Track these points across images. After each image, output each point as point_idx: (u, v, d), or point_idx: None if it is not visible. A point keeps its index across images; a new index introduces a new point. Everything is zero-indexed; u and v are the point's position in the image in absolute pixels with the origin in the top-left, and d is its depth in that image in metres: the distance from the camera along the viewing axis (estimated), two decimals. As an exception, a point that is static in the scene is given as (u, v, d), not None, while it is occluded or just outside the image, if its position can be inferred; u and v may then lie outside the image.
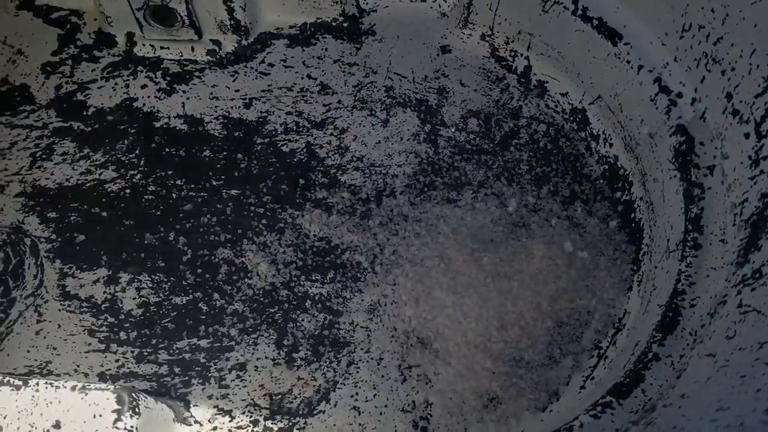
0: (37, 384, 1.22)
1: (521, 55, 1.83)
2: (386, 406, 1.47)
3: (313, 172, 1.72)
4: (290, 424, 1.46)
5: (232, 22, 1.81)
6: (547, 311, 1.57)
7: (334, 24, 1.90)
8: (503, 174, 1.72)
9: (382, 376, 1.52)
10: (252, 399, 1.49)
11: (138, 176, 1.71)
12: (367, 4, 1.93)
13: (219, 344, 1.55)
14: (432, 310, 1.58)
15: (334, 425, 1.46)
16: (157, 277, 1.61)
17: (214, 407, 1.48)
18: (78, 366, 1.53)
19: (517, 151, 1.75)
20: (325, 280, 1.61)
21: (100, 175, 1.70)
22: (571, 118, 1.78)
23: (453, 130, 1.77)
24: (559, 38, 1.72)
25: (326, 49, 1.87)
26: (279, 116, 1.78)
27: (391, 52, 1.87)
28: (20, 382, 1.22)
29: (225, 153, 1.74)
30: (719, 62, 1.38)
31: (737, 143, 1.34)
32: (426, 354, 1.54)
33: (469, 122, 1.79)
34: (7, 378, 1.22)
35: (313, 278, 1.61)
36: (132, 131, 1.76)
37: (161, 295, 1.60)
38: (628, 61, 1.58)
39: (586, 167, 1.74)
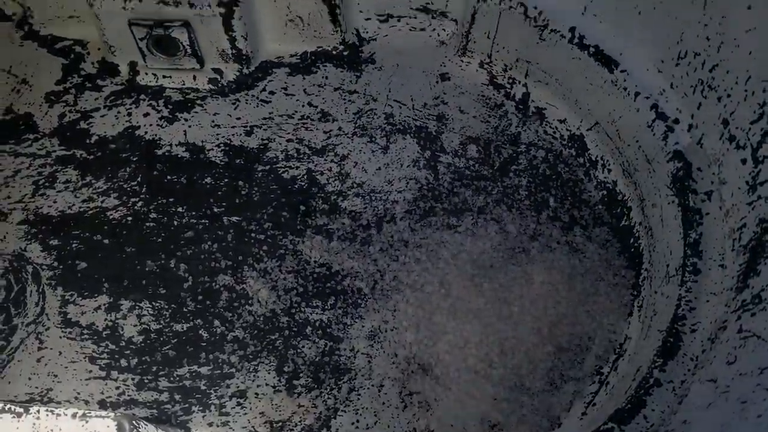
0: (38, 411, 1.22)
1: (519, 82, 1.85)
2: (387, 433, 1.47)
3: (313, 199, 1.73)
4: (291, 451, 1.45)
5: (234, 51, 1.83)
6: (548, 337, 1.57)
7: (334, 52, 1.93)
8: (503, 200, 1.73)
9: (383, 403, 1.52)
10: (252, 426, 1.48)
11: (139, 204, 1.72)
12: (367, 32, 1.95)
13: (219, 371, 1.55)
14: (433, 335, 1.58)
15: (335, 453, 1.45)
16: (158, 304, 1.61)
17: (215, 435, 1.47)
18: (79, 393, 1.53)
19: (516, 177, 1.76)
20: (326, 307, 1.61)
21: (102, 202, 1.71)
22: (570, 144, 1.80)
23: (452, 156, 1.79)
24: (556, 66, 1.74)
25: (327, 77, 1.90)
26: (280, 143, 1.80)
27: (391, 80, 1.89)
28: (21, 410, 1.22)
29: (226, 180, 1.76)
30: (715, 89, 1.39)
31: (734, 169, 1.35)
32: (427, 380, 1.54)
33: (468, 148, 1.80)
34: (9, 405, 1.22)
35: (314, 304, 1.62)
36: (134, 159, 1.78)
37: (162, 322, 1.60)
38: (625, 88, 1.60)
39: (585, 193, 1.75)
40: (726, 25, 1.33)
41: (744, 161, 1.32)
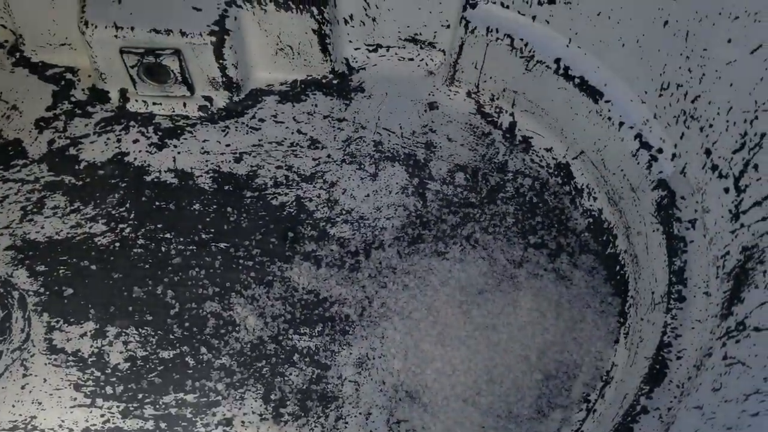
0: (21, 440, 1.21)
1: (506, 111, 1.88)
2: (375, 461, 1.46)
3: (302, 225, 1.73)
4: (277, 480, 1.44)
5: (224, 80, 1.85)
6: (536, 364, 1.58)
7: (324, 81, 1.95)
8: (490, 227, 1.74)
9: (371, 431, 1.51)
10: (239, 455, 1.47)
11: (128, 230, 1.71)
12: (357, 62, 1.98)
13: (206, 399, 1.54)
14: (421, 363, 1.58)
15: (322, 481, 1.44)
16: (144, 331, 1.61)
17: (200, 463, 1.46)
18: (63, 421, 1.51)
19: (504, 204, 1.78)
20: (314, 334, 1.61)
21: (90, 228, 1.71)
22: (556, 173, 1.82)
23: (440, 183, 1.80)
24: (542, 96, 1.77)
25: (316, 105, 1.91)
26: (269, 170, 1.81)
27: (380, 108, 1.91)
28: (4, 438, 1.21)
29: (215, 206, 1.76)
30: (697, 119, 1.42)
31: (717, 198, 1.37)
32: (415, 408, 1.53)
33: (456, 176, 1.82)
34: (-9, 434, 1.21)
35: (302, 331, 1.61)
36: (123, 185, 1.78)
37: (148, 349, 1.59)
38: (610, 118, 1.63)
39: (571, 220, 1.77)
40: (707, 57, 1.36)
41: (727, 190, 1.34)
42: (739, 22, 1.27)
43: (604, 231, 1.73)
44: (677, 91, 1.46)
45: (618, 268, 1.67)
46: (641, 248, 1.58)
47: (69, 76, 1.93)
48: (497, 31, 1.74)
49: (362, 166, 1.82)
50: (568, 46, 1.68)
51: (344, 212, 1.76)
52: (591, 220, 1.76)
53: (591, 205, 1.76)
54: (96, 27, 1.73)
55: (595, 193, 1.75)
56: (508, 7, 1.72)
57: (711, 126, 1.38)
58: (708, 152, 1.40)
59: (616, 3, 1.52)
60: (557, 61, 1.69)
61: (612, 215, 1.71)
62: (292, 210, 1.76)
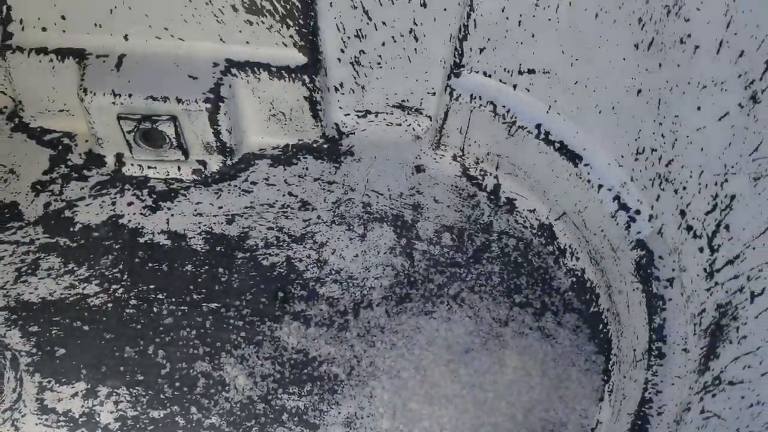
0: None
1: (490, 174, 1.95)
2: None
3: (292, 285, 1.77)
4: None
5: (218, 144, 1.91)
6: (522, 422, 1.59)
7: (315, 145, 2.02)
8: (476, 286, 1.79)
9: (359, 491, 1.51)
10: None
11: (120, 290, 1.75)
12: (346, 127, 2.05)
13: (195, 459, 1.54)
14: (408, 422, 1.60)
15: None
16: (135, 391, 1.62)
17: None
18: (50, 483, 1.51)
19: (489, 264, 1.83)
20: (303, 393, 1.63)
21: (83, 289, 1.74)
22: (539, 233, 1.88)
23: (427, 244, 1.85)
24: (524, 159, 1.84)
25: (307, 168, 1.98)
26: (260, 231, 1.86)
27: (369, 171, 1.98)
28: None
29: (206, 267, 1.80)
30: (672, 182, 1.49)
31: (693, 257, 1.42)
32: (403, 467, 1.54)
33: (442, 236, 1.87)
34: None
35: (291, 391, 1.63)
36: (116, 247, 1.82)
37: (139, 408, 1.60)
38: (589, 181, 1.69)
39: (555, 280, 1.82)
40: (678, 123, 1.44)
41: (701, 249, 1.39)
42: (707, 91, 1.34)
43: (587, 290, 1.77)
44: (652, 155, 1.53)
45: (601, 326, 1.71)
46: (623, 306, 1.63)
47: (66, 141, 1.99)
48: (480, 99, 1.82)
49: (351, 227, 1.87)
50: (547, 112, 1.76)
51: (333, 272, 1.80)
52: (574, 279, 1.80)
53: (574, 265, 1.81)
54: (95, 94, 1.80)
55: (577, 253, 1.80)
56: (490, 76, 1.80)
57: (684, 188, 1.45)
58: (683, 213, 1.46)
59: (592, 73, 1.60)
60: (538, 126, 1.77)
61: (594, 274, 1.76)
62: (282, 270, 1.80)
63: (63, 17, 1.79)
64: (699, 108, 1.37)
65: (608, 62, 1.55)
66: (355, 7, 1.79)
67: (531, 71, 1.73)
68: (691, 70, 1.37)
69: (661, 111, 1.48)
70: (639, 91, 1.51)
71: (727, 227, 1.32)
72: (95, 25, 1.80)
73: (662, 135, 1.49)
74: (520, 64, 1.73)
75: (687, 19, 1.34)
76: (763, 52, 1.21)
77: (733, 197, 1.31)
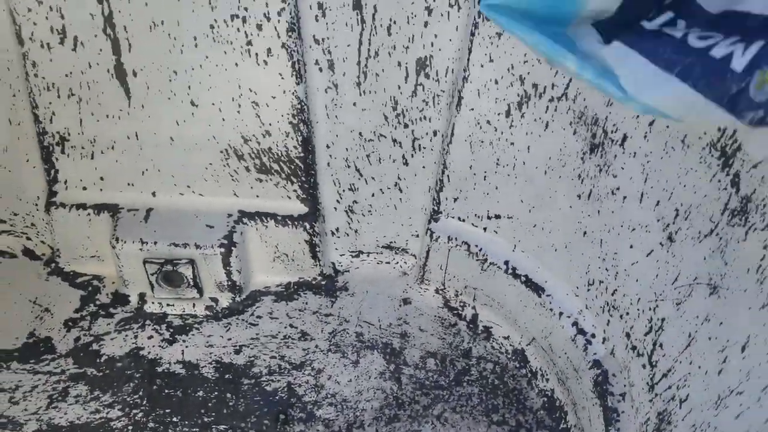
0: None
1: (469, 305, 2.21)
2: None
3: (292, 408, 1.98)
4: None
5: (229, 283, 2.18)
6: None
7: (313, 282, 2.29)
8: (458, 407, 1.99)
9: None
10: None
11: (140, 414, 1.95)
12: (342, 265, 2.33)
13: None
14: None
15: None
16: (150, 508, 1.79)
17: None
18: None
19: (469, 386, 2.04)
20: (302, 507, 1.80)
21: (107, 414, 1.95)
22: (513, 358, 2.11)
23: (414, 368, 2.08)
24: (497, 291, 2.11)
25: (307, 303, 2.24)
26: (264, 360, 2.09)
27: (362, 304, 2.24)
28: None
29: (216, 393, 2.01)
30: (618, 309, 1.74)
31: (638, 373, 1.65)
32: None
33: (427, 362, 2.10)
34: None
35: (292, 505, 1.80)
36: (137, 375, 2.04)
37: None
38: (551, 309, 1.95)
39: (528, 400, 2.02)
40: (618, 259, 1.71)
41: (644, 366, 1.63)
42: (636, 233, 1.63)
43: (556, 408, 1.98)
44: (600, 286, 1.80)
45: (570, 440, 1.90)
46: (586, 421, 1.83)
47: (96, 282, 2.26)
48: (456, 240, 2.11)
49: (345, 354, 2.11)
50: (513, 250, 2.05)
51: (329, 396, 2.01)
52: (545, 399, 2.01)
53: (544, 386, 2.02)
54: (125, 242, 2.09)
55: (547, 374, 2.03)
56: (464, 220, 2.10)
57: (628, 314, 1.70)
58: (628, 335, 1.70)
59: (546, 218, 1.90)
60: (506, 263, 2.05)
61: (562, 394, 1.97)
62: (283, 395, 2.01)
63: (101, 178, 2.12)
64: (631, 246, 1.65)
65: (559, 209, 1.85)
66: (349, 166, 2.12)
67: (497, 216, 2.03)
68: (623, 216, 1.66)
69: (603, 249, 1.76)
70: (585, 233, 1.80)
71: (661, 345, 1.57)
72: (128, 184, 2.13)
73: (606, 269, 1.76)
74: (488, 211, 2.04)
75: (615, 175, 1.65)
76: (672, 202, 1.51)
77: (663, 320, 1.56)
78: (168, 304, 2.20)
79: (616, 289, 1.74)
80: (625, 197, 1.64)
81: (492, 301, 2.15)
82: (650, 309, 1.61)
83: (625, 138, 1.58)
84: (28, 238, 2.30)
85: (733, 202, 1.33)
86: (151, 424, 1.94)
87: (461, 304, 2.22)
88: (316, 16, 1.83)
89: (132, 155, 2.06)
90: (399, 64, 1.90)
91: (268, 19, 1.80)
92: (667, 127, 1.47)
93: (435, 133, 2.02)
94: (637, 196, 1.60)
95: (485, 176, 1.97)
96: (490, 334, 2.16)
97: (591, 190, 1.74)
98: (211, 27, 1.81)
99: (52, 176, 2.13)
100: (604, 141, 1.64)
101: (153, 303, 2.20)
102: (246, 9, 1.78)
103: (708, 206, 1.40)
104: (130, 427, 1.92)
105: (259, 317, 2.20)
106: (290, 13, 1.80)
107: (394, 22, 1.82)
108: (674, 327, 1.52)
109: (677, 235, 1.51)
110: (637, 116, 1.53)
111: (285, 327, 2.18)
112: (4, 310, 2.17)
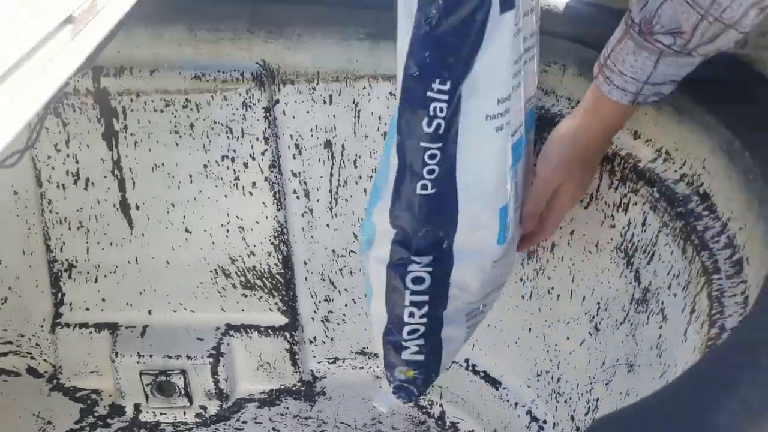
0: None
1: (437, 403, 2.42)
2: None
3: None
4: None
5: (217, 391, 2.39)
6: None
7: (294, 389, 2.50)
8: (429, 496, 2.18)
9: None
10: None
11: None
12: (320, 372, 2.55)
13: None
14: None
15: None
16: None
17: None
18: None
19: (439, 477, 2.24)
20: None
21: None
22: (479, 449, 2.32)
23: (388, 464, 2.27)
24: (460, 388, 2.34)
25: (288, 408, 2.44)
26: (250, 462, 2.27)
27: (338, 407, 2.45)
28: None
29: (207, 494, 2.18)
30: (562, 395, 1.99)
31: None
32: None
33: (400, 457, 2.30)
34: None
35: None
36: (133, 481, 2.21)
37: None
38: (508, 401, 2.18)
39: (493, 486, 2.22)
40: (558, 350, 1.97)
41: (586, 443, 1.86)
42: (569, 325, 1.90)
43: (519, 491, 2.17)
44: (547, 376, 2.05)
45: None
46: (545, 501, 2.03)
47: (94, 396, 2.46)
48: (421, 342, 2.37)
49: (325, 452, 2.30)
50: (472, 349, 2.30)
51: (312, 491, 2.19)
52: (510, 483, 2.21)
53: (509, 471, 2.23)
54: (123, 356, 2.32)
55: (510, 460, 2.24)
56: (427, 324, 2.37)
57: (571, 398, 1.95)
58: (572, 418, 1.94)
59: (498, 318, 2.18)
60: (467, 360, 2.29)
61: (524, 477, 2.17)
62: (270, 493, 2.19)
63: (103, 299, 2.37)
64: (568, 338, 1.93)
65: (507, 309, 2.13)
66: (324, 280, 2.40)
67: (456, 320, 2.30)
68: (558, 311, 1.95)
69: (546, 342, 2.03)
70: (530, 329, 2.08)
71: (597, 423, 1.81)
72: (127, 304, 2.38)
73: (550, 360, 2.03)
74: (448, 315, 2.32)
75: (549, 277, 1.96)
76: (594, 296, 1.81)
77: (597, 399, 1.81)
78: (161, 413, 2.39)
79: (560, 377, 1.99)
80: (558, 295, 1.94)
81: (456, 397, 2.38)
82: (587, 392, 1.86)
83: (553, 245, 1.90)
84: (32, 358, 2.51)
85: (637, 293, 1.63)
86: None
87: (429, 402, 2.44)
88: (294, 154, 2.18)
89: (132, 278, 2.33)
90: (365, 191, 2.23)
91: (253, 158, 2.14)
92: (584, 235, 1.80)
93: (398, 249, 2.33)
94: (568, 294, 1.90)
95: (443, 284, 2.26)
96: (457, 429, 2.38)
97: (531, 290, 2.03)
98: (205, 166, 2.14)
99: (59, 299, 2.38)
100: (538, 248, 1.96)
101: (147, 412, 2.39)
102: (234, 151, 2.13)
103: (620, 298, 1.70)
104: None
105: (244, 423, 2.40)
106: (272, 153, 2.14)
107: (359, 157, 2.17)
108: (606, 405, 1.77)
109: (601, 324, 1.80)
110: (561, 226, 1.86)
111: (269, 431, 2.37)
112: (9, 424, 2.34)
